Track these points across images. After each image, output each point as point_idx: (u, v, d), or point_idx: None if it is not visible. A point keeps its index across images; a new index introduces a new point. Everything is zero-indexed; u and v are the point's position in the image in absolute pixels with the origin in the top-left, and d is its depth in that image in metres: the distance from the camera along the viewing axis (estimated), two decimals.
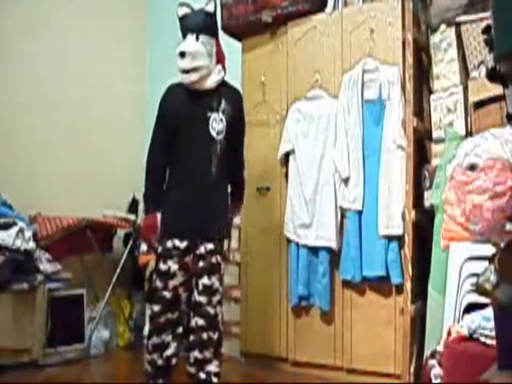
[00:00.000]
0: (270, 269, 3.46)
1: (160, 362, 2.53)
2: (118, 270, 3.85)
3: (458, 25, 2.92)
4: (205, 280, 2.54)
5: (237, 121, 2.69)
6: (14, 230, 3.23)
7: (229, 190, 2.79)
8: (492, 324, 1.70)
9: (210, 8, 2.61)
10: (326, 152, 3.23)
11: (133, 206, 4.28)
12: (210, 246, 2.56)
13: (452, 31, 2.92)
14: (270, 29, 3.51)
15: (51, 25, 4.06)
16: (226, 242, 2.70)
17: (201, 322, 2.53)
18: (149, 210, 2.68)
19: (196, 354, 2.53)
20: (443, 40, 2.96)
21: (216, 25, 2.68)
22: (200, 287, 2.54)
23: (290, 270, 3.32)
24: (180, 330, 2.57)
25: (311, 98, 3.32)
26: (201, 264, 2.55)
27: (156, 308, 2.54)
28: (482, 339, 1.88)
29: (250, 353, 3.52)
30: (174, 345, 2.55)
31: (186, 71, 2.54)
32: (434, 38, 3.02)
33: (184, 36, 2.60)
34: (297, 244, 3.29)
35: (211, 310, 2.54)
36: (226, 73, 2.70)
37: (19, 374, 3.11)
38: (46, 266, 3.38)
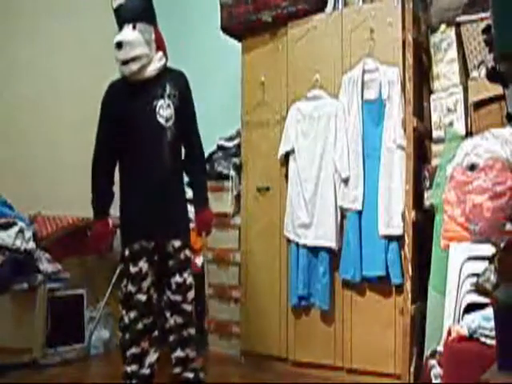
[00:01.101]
0: (270, 269, 3.46)
1: (146, 371, 2.42)
2: (118, 270, 3.84)
3: (458, 25, 2.92)
4: (177, 278, 2.45)
5: (184, 103, 2.54)
6: (13, 230, 3.24)
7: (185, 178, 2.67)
8: (492, 324, 1.70)
9: None
10: (326, 152, 3.23)
11: None
12: (178, 242, 2.47)
13: (452, 31, 2.92)
14: (269, 29, 3.51)
15: (51, 24, 4.06)
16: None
17: (179, 320, 2.44)
18: (97, 216, 2.55)
19: (178, 353, 2.45)
20: (443, 40, 2.96)
21: (153, 11, 2.55)
22: (173, 286, 2.44)
23: (290, 270, 3.32)
24: (155, 333, 2.47)
25: (311, 98, 3.32)
26: (170, 263, 2.46)
27: (132, 314, 2.41)
28: (482, 339, 1.88)
29: (250, 353, 3.52)
30: (152, 350, 2.45)
31: (125, 62, 2.42)
32: (434, 38, 3.02)
33: (120, 27, 2.46)
34: (297, 244, 3.29)
35: (187, 307, 2.46)
36: (168, 59, 2.58)
37: (19, 374, 3.11)
38: (45, 265, 3.39)
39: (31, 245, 3.29)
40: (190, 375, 2.47)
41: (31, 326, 3.30)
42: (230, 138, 3.85)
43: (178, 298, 2.45)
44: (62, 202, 3.87)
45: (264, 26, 3.48)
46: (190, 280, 2.49)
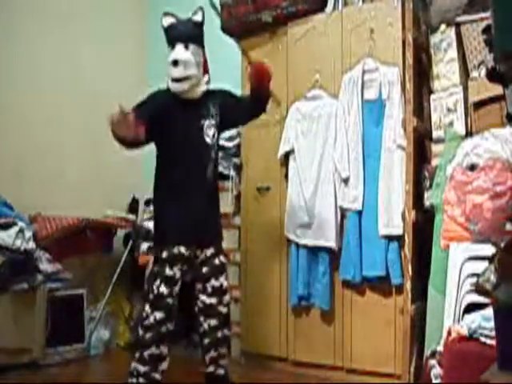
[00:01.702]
0: (270, 269, 3.46)
1: (157, 376, 2.45)
2: (118, 270, 3.85)
3: (458, 25, 2.92)
4: (213, 282, 2.56)
5: (228, 107, 2.73)
6: (13, 230, 3.23)
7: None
8: (492, 324, 1.70)
9: (198, 18, 2.63)
10: (326, 152, 3.23)
11: (133, 206, 4.28)
12: (211, 250, 2.60)
13: (452, 31, 2.92)
14: (269, 29, 3.51)
15: (50, 26, 4.06)
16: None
17: (214, 322, 2.54)
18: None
19: (212, 353, 2.56)
20: (443, 40, 2.96)
21: (203, 35, 2.68)
22: (209, 290, 2.56)
23: (290, 270, 3.32)
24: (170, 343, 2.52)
25: (311, 97, 3.32)
26: (204, 269, 2.57)
27: (159, 315, 2.45)
28: (482, 339, 1.89)
29: (250, 353, 3.51)
30: (168, 359, 2.49)
31: (178, 80, 2.54)
32: (434, 38, 3.02)
33: (172, 45, 2.58)
34: (297, 244, 3.29)
35: (223, 309, 2.58)
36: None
37: (19, 374, 3.11)
38: (45, 265, 3.38)
39: (31, 245, 3.29)
40: (222, 372, 2.59)
41: (31, 326, 3.29)
42: (230, 138, 3.84)
43: (214, 300, 2.55)
44: (62, 202, 3.88)
45: (264, 25, 3.48)
46: (225, 284, 2.61)
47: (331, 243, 3.16)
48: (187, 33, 2.59)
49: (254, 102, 2.81)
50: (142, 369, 2.43)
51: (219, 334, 2.56)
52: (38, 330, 3.32)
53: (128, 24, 4.74)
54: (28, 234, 3.30)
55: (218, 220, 2.74)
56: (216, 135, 2.66)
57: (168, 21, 2.62)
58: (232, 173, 3.71)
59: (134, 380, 2.44)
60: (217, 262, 2.60)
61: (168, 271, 2.48)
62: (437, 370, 2.12)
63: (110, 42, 4.52)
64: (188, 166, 2.58)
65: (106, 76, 4.43)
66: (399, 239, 2.94)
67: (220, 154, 3.83)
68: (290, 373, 3.31)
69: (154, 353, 2.44)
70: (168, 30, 2.62)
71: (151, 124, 2.46)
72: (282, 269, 3.40)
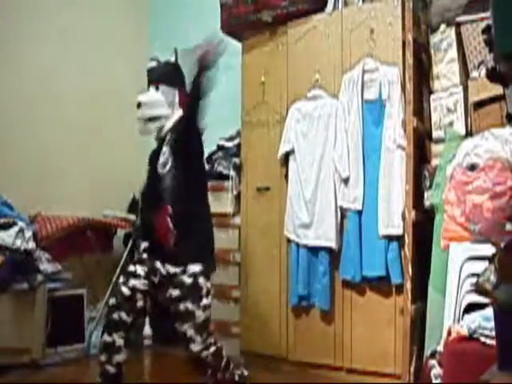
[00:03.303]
0: (270, 269, 3.46)
1: (111, 368, 2.39)
2: (118, 270, 3.85)
3: (458, 25, 2.92)
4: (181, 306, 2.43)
5: (182, 144, 2.52)
6: (13, 230, 3.23)
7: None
8: (492, 324, 1.70)
9: (171, 59, 2.61)
10: (326, 152, 3.23)
11: (133, 206, 4.28)
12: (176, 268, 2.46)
13: (452, 31, 2.92)
14: (269, 29, 3.51)
15: (53, 26, 4.06)
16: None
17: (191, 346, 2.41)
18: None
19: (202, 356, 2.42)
20: (443, 40, 2.96)
21: (179, 75, 2.60)
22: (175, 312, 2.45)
23: (290, 270, 3.32)
24: (127, 334, 2.44)
25: (311, 97, 3.32)
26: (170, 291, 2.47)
27: (111, 301, 2.46)
28: (482, 339, 1.88)
29: (250, 353, 3.51)
30: (124, 351, 2.41)
31: (145, 121, 2.52)
32: (434, 38, 3.02)
33: (148, 88, 2.58)
34: (297, 244, 3.29)
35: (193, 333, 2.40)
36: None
37: (19, 374, 3.11)
38: (45, 265, 3.38)
39: (31, 245, 3.29)
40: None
41: (31, 326, 3.29)
42: (230, 138, 3.85)
43: (181, 324, 2.41)
44: (61, 202, 3.88)
45: (264, 25, 3.48)
46: (191, 307, 2.40)
47: (331, 243, 3.16)
48: (158, 74, 2.57)
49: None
50: (100, 358, 2.42)
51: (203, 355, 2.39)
52: (37, 330, 3.31)
53: (129, 24, 4.73)
54: (28, 234, 3.30)
55: (187, 239, 2.46)
56: (169, 161, 2.48)
57: (149, 65, 2.62)
58: (232, 173, 3.71)
59: (100, 379, 2.42)
60: (181, 307, 2.38)
61: (131, 267, 2.49)
62: (437, 370, 2.12)
63: (112, 42, 4.52)
64: (145, 203, 2.58)
65: (107, 76, 4.43)
66: (399, 239, 2.95)
67: (220, 153, 3.86)
68: (290, 373, 3.31)
69: (107, 340, 2.40)
70: (147, 74, 2.62)
71: None
72: (282, 269, 3.40)
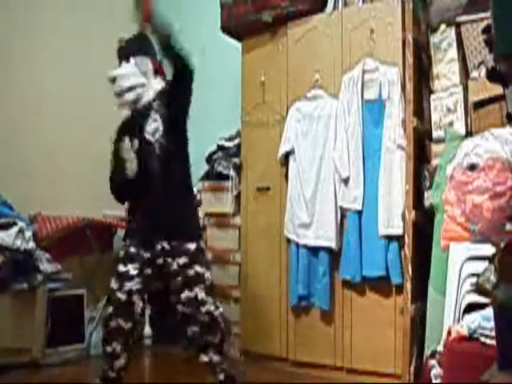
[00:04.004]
0: (269, 269, 3.46)
1: (110, 373, 2.41)
2: None
3: (458, 25, 2.91)
4: (187, 293, 2.43)
5: (173, 101, 2.50)
6: (13, 230, 3.23)
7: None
8: (492, 324, 1.70)
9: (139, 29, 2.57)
10: (326, 152, 3.23)
11: None
12: (184, 259, 2.46)
13: (452, 31, 2.92)
14: (269, 29, 3.51)
15: (54, 28, 4.06)
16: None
17: (195, 328, 2.43)
18: None
19: (202, 358, 2.44)
20: (443, 40, 2.96)
21: (148, 43, 2.57)
22: (183, 300, 2.43)
23: (290, 270, 3.32)
24: (130, 339, 2.43)
25: (311, 97, 3.32)
26: (178, 280, 2.46)
27: (109, 310, 2.41)
28: (482, 339, 1.88)
29: (249, 352, 3.51)
30: (124, 355, 2.41)
31: (119, 94, 2.48)
32: (434, 38, 3.01)
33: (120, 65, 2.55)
34: (297, 244, 3.29)
35: (203, 318, 2.42)
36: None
37: (19, 374, 3.11)
38: (45, 266, 3.39)
39: (31, 245, 3.29)
40: (221, 377, 2.46)
41: (31, 326, 3.29)
42: (230, 138, 3.84)
43: (190, 310, 2.42)
44: (62, 202, 3.87)
45: (264, 25, 3.48)
46: (201, 295, 2.42)
47: (331, 243, 3.16)
48: (128, 47, 2.55)
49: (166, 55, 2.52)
50: (105, 366, 2.42)
51: (201, 341, 2.42)
52: (37, 330, 3.31)
53: (129, 24, 4.73)
54: (28, 234, 3.30)
55: (184, 217, 2.52)
56: (160, 129, 2.47)
57: (118, 45, 2.60)
58: (232, 173, 3.71)
59: (98, 381, 2.43)
60: (191, 272, 2.42)
61: (121, 268, 2.42)
62: (437, 370, 2.12)
63: (113, 43, 4.50)
64: (140, 171, 2.48)
65: (107, 80, 4.42)
66: (399, 239, 2.94)
67: (220, 153, 3.86)
68: (290, 373, 3.31)
69: (107, 350, 2.41)
70: (118, 55, 2.58)
71: None
72: (282, 269, 3.40)
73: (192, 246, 2.44)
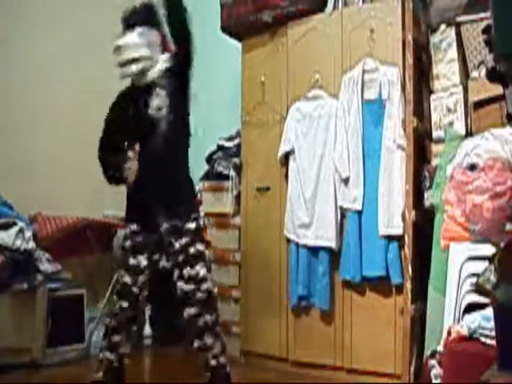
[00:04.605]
0: (270, 269, 3.46)
1: (115, 364, 2.45)
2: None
3: (458, 25, 2.92)
4: (189, 270, 2.48)
5: (177, 77, 2.53)
6: (14, 230, 3.23)
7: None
8: (492, 324, 1.70)
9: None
10: (326, 152, 3.23)
11: None
12: (186, 239, 2.53)
13: (452, 31, 2.92)
14: (269, 29, 3.51)
15: (53, 27, 4.06)
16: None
17: (193, 310, 2.47)
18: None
19: (197, 343, 2.47)
20: (443, 40, 2.96)
21: (155, 15, 2.52)
22: (185, 276, 2.48)
23: (290, 270, 3.32)
24: (134, 328, 2.52)
25: (311, 97, 3.32)
26: (180, 258, 2.51)
27: (124, 304, 2.45)
28: (482, 339, 1.88)
29: (249, 352, 3.52)
30: (127, 344, 2.47)
31: (123, 64, 2.43)
32: (434, 38, 3.01)
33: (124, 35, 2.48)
34: (297, 244, 3.29)
35: (201, 295, 2.47)
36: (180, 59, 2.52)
37: (19, 374, 3.11)
38: (46, 266, 3.39)
39: (31, 245, 3.29)
40: (213, 362, 2.49)
41: (31, 326, 3.29)
42: (230, 138, 3.84)
43: (191, 287, 2.47)
44: (62, 202, 3.87)
45: (264, 25, 3.48)
46: (202, 272, 2.49)
47: (331, 243, 3.16)
48: (133, 17, 2.49)
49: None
50: (106, 354, 2.45)
51: (200, 322, 2.46)
52: (38, 330, 3.31)
53: None
54: (28, 234, 3.30)
55: (178, 190, 2.55)
56: (165, 105, 2.47)
57: (123, 15, 2.54)
58: (232, 173, 3.71)
59: (98, 367, 2.46)
60: (192, 250, 2.48)
61: (132, 261, 2.45)
62: (437, 370, 2.12)
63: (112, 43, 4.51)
64: (141, 149, 2.49)
65: (106, 77, 4.41)
66: (399, 239, 2.94)
67: (220, 153, 3.86)
68: (290, 373, 3.31)
69: (116, 340, 2.46)
70: (123, 25, 2.52)
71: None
72: (282, 269, 3.40)
73: (192, 226, 2.50)
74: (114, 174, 2.60)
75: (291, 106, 3.38)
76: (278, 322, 3.40)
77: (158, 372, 3.53)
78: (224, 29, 3.64)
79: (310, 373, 3.25)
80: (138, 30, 2.45)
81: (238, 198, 3.70)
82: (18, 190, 3.58)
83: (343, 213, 3.18)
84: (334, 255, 3.19)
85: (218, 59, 4.26)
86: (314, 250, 3.23)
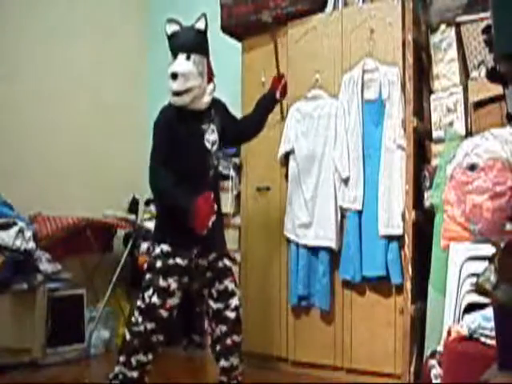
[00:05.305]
0: (270, 269, 3.46)
1: (146, 379, 2.46)
2: (118, 270, 3.85)
3: (458, 25, 2.92)
4: (217, 286, 2.53)
5: (230, 119, 2.71)
6: (14, 230, 3.23)
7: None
8: (492, 324, 1.70)
9: (201, 25, 2.51)
10: (326, 152, 3.23)
11: (133, 206, 4.28)
12: (213, 254, 2.55)
13: (452, 31, 2.93)
14: (270, 29, 3.51)
15: (50, 28, 4.06)
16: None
17: (223, 328, 2.51)
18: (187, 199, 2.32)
19: (223, 363, 2.51)
20: (443, 40, 2.96)
21: (207, 43, 2.58)
22: (214, 294, 2.52)
23: (290, 270, 3.32)
24: (160, 349, 2.49)
25: (311, 97, 3.32)
26: (208, 274, 2.53)
27: (150, 326, 2.38)
28: (482, 339, 1.88)
29: (249, 353, 3.51)
30: (151, 363, 2.46)
31: (177, 93, 2.44)
32: (434, 38, 3.02)
33: (174, 55, 2.47)
34: (297, 244, 3.29)
35: (231, 314, 2.52)
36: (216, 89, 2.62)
37: (19, 374, 3.11)
38: (45, 266, 3.39)
39: (31, 245, 3.29)
40: (234, 382, 2.53)
41: (31, 326, 3.30)
42: None
43: (220, 305, 2.51)
44: (62, 202, 3.87)
45: (264, 25, 3.47)
46: (231, 287, 2.54)
47: (331, 243, 3.16)
48: (190, 42, 2.48)
49: (255, 118, 2.86)
50: (129, 374, 2.39)
51: (228, 341, 2.50)
52: (38, 330, 3.32)
53: (129, 24, 4.74)
54: (28, 234, 3.30)
55: (221, 226, 2.64)
56: (217, 142, 2.56)
57: (172, 28, 2.51)
58: (232, 173, 3.71)
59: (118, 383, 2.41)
60: (220, 265, 2.53)
61: (162, 283, 2.39)
62: (437, 370, 2.12)
63: (112, 42, 4.52)
64: (189, 173, 2.45)
65: (106, 76, 4.43)
66: (399, 239, 2.95)
67: (220, 153, 3.86)
68: (290, 373, 3.31)
69: (142, 360, 2.40)
70: (171, 39, 2.51)
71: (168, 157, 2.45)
72: (282, 269, 3.40)
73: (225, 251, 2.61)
74: (185, 212, 2.32)
75: (291, 106, 3.38)
76: (278, 322, 3.40)
77: (158, 372, 3.53)
78: (224, 29, 3.64)
79: (310, 373, 3.25)
80: (193, 57, 2.46)
81: (237, 197, 3.70)
82: (18, 190, 3.58)
83: (343, 213, 3.18)
84: (334, 255, 3.19)
85: (218, 59, 4.25)
86: (314, 250, 3.23)
